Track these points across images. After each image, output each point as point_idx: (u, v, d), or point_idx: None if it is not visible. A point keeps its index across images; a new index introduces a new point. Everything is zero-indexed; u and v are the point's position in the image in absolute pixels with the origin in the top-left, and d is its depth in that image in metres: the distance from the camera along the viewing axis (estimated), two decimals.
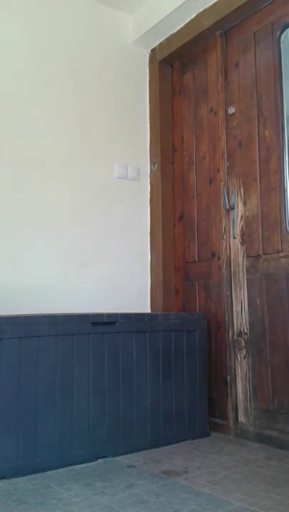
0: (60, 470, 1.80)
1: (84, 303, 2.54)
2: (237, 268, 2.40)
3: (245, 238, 2.37)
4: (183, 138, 2.84)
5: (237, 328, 2.37)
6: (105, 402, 1.97)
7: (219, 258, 2.51)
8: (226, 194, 2.47)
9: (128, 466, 1.85)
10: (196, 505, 1.47)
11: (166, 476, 1.74)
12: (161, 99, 2.91)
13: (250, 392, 2.28)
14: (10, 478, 1.70)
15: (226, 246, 2.46)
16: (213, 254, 2.56)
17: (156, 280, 2.80)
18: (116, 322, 2.05)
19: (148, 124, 2.96)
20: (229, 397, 2.34)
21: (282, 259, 2.18)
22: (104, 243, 2.68)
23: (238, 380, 2.34)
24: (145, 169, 2.91)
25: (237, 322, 2.38)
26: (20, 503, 1.50)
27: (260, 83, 2.36)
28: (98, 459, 1.92)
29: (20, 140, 2.43)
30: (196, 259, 2.67)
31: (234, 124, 2.49)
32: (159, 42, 2.92)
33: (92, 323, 1.97)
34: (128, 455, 1.99)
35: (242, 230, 2.40)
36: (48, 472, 1.78)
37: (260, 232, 2.30)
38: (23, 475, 1.73)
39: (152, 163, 2.91)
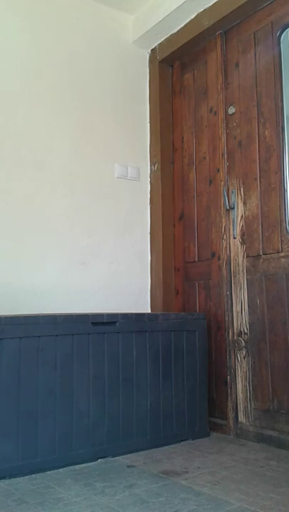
0: (60, 470, 1.80)
1: (84, 303, 2.55)
2: (237, 268, 2.40)
3: (245, 238, 2.37)
4: (183, 138, 2.84)
5: (237, 328, 2.37)
6: (105, 402, 1.97)
7: (219, 258, 2.51)
8: (225, 194, 2.47)
9: (128, 466, 1.85)
10: (196, 505, 1.47)
11: (166, 476, 1.74)
12: (161, 99, 2.91)
13: (250, 392, 2.28)
14: (10, 478, 1.70)
15: (226, 246, 2.46)
16: (213, 254, 2.56)
17: (156, 280, 2.80)
18: (116, 322, 2.05)
19: (148, 124, 2.96)
20: (229, 397, 2.35)
21: (282, 259, 2.18)
22: (104, 243, 2.68)
23: (238, 380, 2.34)
24: (145, 169, 2.91)
25: (237, 322, 2.38)
26: (20, 503, 1.50)
27: (260, 83, 2.36)
28: (98, 459, 1.92)
29: (20, 140, 2.43)
30: (196, 259, 2.67)
31: (234, 124, 2.49)
32: (159, 42, 2.92)
33: (92, 323, 1.98)
34: (128, 455, 1.99)
35: (242, 230, 2.40)
36: (48, 472, 1.78)
37: (260, 232, 2.30)
38: (23, 475, 1.73)
39: (152, 163, 2.91)
